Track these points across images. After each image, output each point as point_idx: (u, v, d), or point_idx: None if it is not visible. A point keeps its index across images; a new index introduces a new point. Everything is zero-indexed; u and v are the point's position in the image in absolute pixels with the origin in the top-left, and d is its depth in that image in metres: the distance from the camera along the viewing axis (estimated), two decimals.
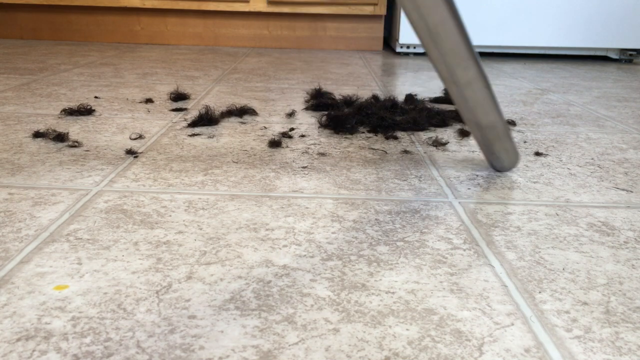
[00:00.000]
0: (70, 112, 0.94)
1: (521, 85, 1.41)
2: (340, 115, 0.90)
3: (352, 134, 0.88)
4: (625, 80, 1.55)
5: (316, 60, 1.76)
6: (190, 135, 0.84)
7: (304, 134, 0.87)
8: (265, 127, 0.90)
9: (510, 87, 1.37)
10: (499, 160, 0.69)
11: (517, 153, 0.69)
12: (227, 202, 0.60)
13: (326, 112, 0.96)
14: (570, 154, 0.81)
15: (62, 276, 0.44)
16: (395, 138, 0.86)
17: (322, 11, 2.00)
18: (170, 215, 0.56)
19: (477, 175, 0.71)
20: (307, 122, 0.95)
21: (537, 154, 0.81)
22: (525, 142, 0.87)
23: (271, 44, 2.08)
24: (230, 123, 0.92)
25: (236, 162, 0.73)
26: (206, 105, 0.97)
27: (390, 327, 0.39)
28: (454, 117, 0.97)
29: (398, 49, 1.97)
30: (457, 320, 0.40)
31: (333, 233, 0.53)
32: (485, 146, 0.67)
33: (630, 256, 0.50)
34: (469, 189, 0.66)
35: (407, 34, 1.90)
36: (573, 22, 1.87)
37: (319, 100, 1.06)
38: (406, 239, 0.52)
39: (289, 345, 0.36)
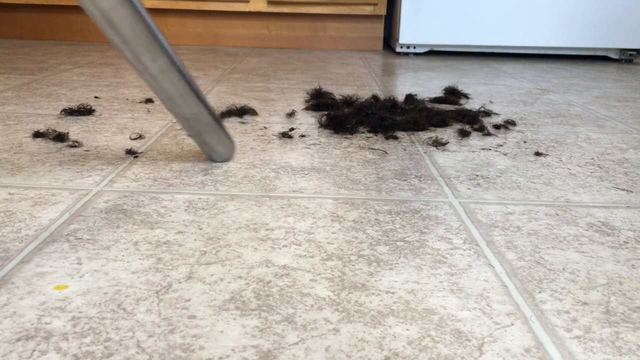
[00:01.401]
0: (70, 112, 0.94)
1: (521, 85, 1.41)
2: (340, 115, 0.90)
3: (352, 134, 0.88)
4: (625, 80, 1.55)
5: (316, 60, 1.77)
6: (190, 135, 0.84)
7: (304, 134, 0.87)
8: (265, 127, 0.90)
9: (510, 87, 1.37)
10: (214, 151, 0.70)
11: (231, 143, 0.70)
12: (227, 202, 0.60)
13: (326, 112, 0.96)
14: (570, 154, 0.81)
15: (62, 276, 0.44)
16: (395, 138, 0.86)
17: (322, 11, 2.00)
18: (170, 215, 0.56)
19: (477, 175, 0.71)
20: (307, 122, 0.95)
21: (537, 154, 0.81)
22: (525, 142, 0.87)
23: (271, 44, 2.08)
24: (230, 123, 0.92)
25: (236, 162, 0.73)
26: None
27: (390, 327, 0.39)
28: (454, 117, 0.97)
29: (398, 49, 1.97)
30: (457, 320, 0.40)
31: (333, 233, 0.53)
32: (196, 137, 0.67)
33: (630, 256, 0.50)
34: (469, 189, 0.66)
35: (407, 34, 1.91)
36: (573, 22, 1.87)
37: (319, 100, 1.06)
38: (406, 239, 0.52)
39: (289, 345, 0.36)
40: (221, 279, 0.44)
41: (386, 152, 0.79)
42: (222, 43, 2.08)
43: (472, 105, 1.13)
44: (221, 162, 0.71)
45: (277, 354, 0.36)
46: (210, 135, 0.67)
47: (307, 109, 1.05)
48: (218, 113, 0.95)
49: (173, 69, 0.59)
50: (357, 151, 0.79)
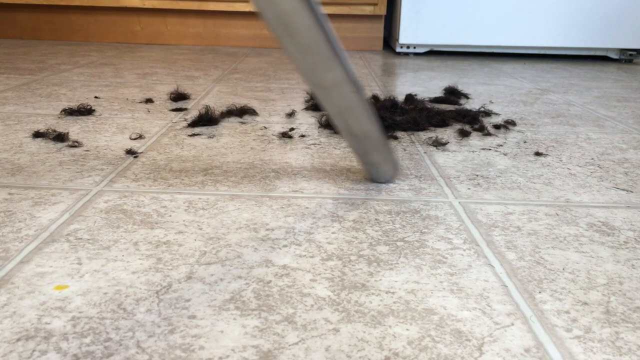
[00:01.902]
0: (70, 112, 0.94)
1: (521, 85, 1.41)
2: None
3: None
4: (625, 80, 1.55)
5: None
6: (190, 135, 0.84)
7: (304, 134, 0.87)
8: (265, 127, 0.90)
9: (510, 87, 1.37)
10: (377, 172, 0.64)
11: (396, 165, 0.65)
12: (227, 202, 0.60)
13: (326, 112, 0.96)
14: (570, 154, 0.81)
15: (62, 276, 0.44)
16: (395, 138, 0.86)
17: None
18: (170, 215, 0.56)
19: (477, 175, 0.71)
20: (307, 122, 0.95)
21: (537, 154, 0.81)
22: (525, 142, 0.87)
23: (271, 44, 2.08)
24: (230, 123, 0.92)
25: (236, 162, 0.73)
26: (206, 105, 0.97)
27: (390, 327, 0.39)
28: (454, 117, 0.97)
29: (398, 49, 1.97)
30: (457, 320, 0.40)
31: (333, 233, 0.53)
32: (362, 156, 0.62)
33: (630, 256, 0.50)
34: (469, 189, 0.66)
35: (407, 34, 1.90)
36: (573, 22, 1.87)
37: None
38: (406, 239, 0.52)
39: (289, 345, 0.36)
40: (221, 279, 0.44)
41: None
42: (222, 43, 2.08)
43: (472, 105, 1.13)
44: (384, 182, 0.65)
45: (277, 354, 0.36)
46: (378, 154, 0.61)
47: (307, 109, 1.05)
48: (219, 113, 0.95)
49: (347, 82, 0.53)
50: None
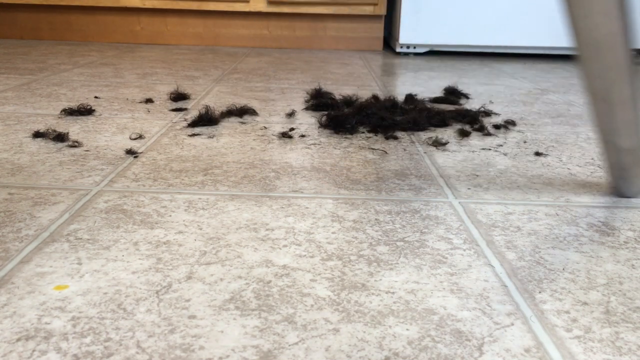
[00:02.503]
0: (70, 112, 0.94)
1: (521, 85, 1.41)
2: (340, 115, 0.90)
3: (352, 134, 0.88)
4: None
5: (316, 60, 1.77)
6: (190, 135, 0.84)
7: (304, 134, 0.87)
8: (265, 127, 0.90)
9: (510, 87, 1.37)
10: (630, 186, 0.64)
11: None
12: (227, 202, 0.60)
13: (326, 112, 0.96)
14: (570, 154, 0.81)
15: (62, 276, 0.44)
16: (395, 138, 0.86)
17: (322, 11, 2.00)
18: (170, 215, 0.56)
19: (477, 175, 0.71)
20: (307, 122, 0.95)
21: (537, 154, 0.81)
22: (525, 142, 0.87)
23: (271, 44, 2.08)
24: (230, 123, 0.92)
25: (236, 162, 0.73)
26: (206, 105, 0.97)
27: (390, 327, 0.39)
28: (454, 117, 0.97)
29: (398, 49, 1.97)
30: (457, 320, 0.40)
31: (333, 233, 0.53)
32: (619, 170, 0.62)
33: (630, 256, 0.50)
34: (469, 189, 0.66)
35: (407, 34, 1.91)
36: None
37: (319, 100, 1.06)
38: (406, 239, 0.52)
39: (289, 345, 0.36)
40: (221, 279, 0.44)
41: (386, 152, 0.79)
42: (222, 43, 2.08)
43: (472, 105, 1.13)
44: (630, 197, 0.65)
45: (277, 354, 0.36)
46: (634, 170, 0.61)
47: (307, 109, 1.05)
48: (219, 113, 0.95)
49: (634, 98, 0.54)
50: (357, 151, 0.79)
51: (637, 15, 1.85)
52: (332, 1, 1.98)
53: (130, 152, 0.74)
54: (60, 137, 0.79)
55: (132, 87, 1.21)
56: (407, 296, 0.43)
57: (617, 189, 0.65)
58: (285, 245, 0.50)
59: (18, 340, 0.36)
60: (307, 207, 0.59)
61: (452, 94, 1.19)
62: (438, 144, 0.83)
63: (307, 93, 1.14)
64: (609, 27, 0.49)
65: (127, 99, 1.09)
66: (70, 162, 0.71)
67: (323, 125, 0.91)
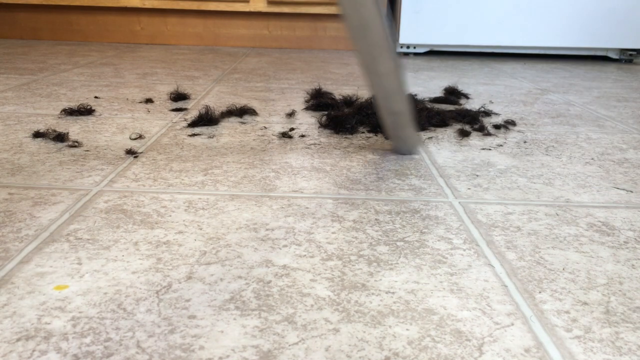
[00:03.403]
0: (70, 112, 0.94)
1: (521, 85, 1.41)
2: (340, 115, 0.90)
3: (352, 134, 0.88)
4: (625, 80, 1.55)
5: (316, 60, 1.77)
6: (190, 135, 0.84)
7: (304, 134, 0.87)
8: (265, 127, 0.90)
9: (510, 87, 1.37)
10: (404, 143, 0.78)
11: (418, 139, 0.80)
12: (227, 202, 0.60)
13: (326, 112, 0.96)
14: (570, 154, 0.81)
15: (62, 276, 0.44)
16: None
17: (322, 11, 2.00)
18: (170, 215, 0.56)
19: (477, 175, 0.71)
20: (307, 122, 0.95)
21: (537, 153, 0.81)
22: (525, 142, 0.87)
23: (271, 44, 2.08)
24: (230, 123, 0.92)
25: (236, 162, 0.73)
26: (206, 105, 0.97)
27: (390, 327, 0.39)
28: (454, 117, 0.97)
29: (398, 49, 1.96)
30: (457, 320, 0.40)
31: (333, 233, 0.53)
32: (394, 130, 0.76)
33: (630, 256, 0.50)
34: (469, 189, 0.66)
35: (407, 34, 1.90)
36: (573, 22, 1.87)
37: (319, 100, 1.06)
38: (406, 239, 0.52)
39: (289, 345, 0.36)
40: (221, 279, 0.44)
41: (386, 152, 0.79)
42: (222, 43, 2.08)
43: (472, 105, 1.13)
44: (406, 154, 0.79)
45: (277, 354, 0.36)
46: (406, 130, 0.75)
47: (307, 109, 1.05)
48: (219, 113, 0.95)
49: (396, 69, 0.67)
50: (357, 151, 0.79)
51: (637, 15, 1.85)
52: (332, 1, 1.98)
53: (130, 152, 0.74)
54: (60, 137, 0.79)
55: (132, 87, 1.22)
56: (407, 296, 0.43)
57: (396, 148, 0.79)
58: (285, 245, 0.50)
59: (18, 340, 0.36)
60: (307, 207, 0.59)
61: (452, 94, 1.19)
62: (438, 143, 0.83)
63: (307, 93, 1.14)
64: (369, 13, 0.61)
65: (127, 99, 1.09)
66: (70, 162, 0.71)
67: (323, 125, 0.91)
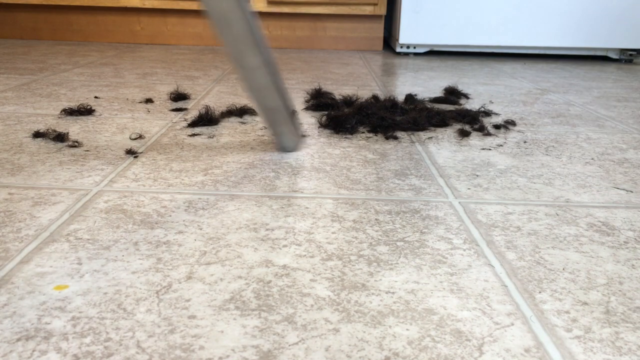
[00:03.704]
0: (70, 112, 0.94)
1: (521, 85, 1.41)
2: (340, 115, 0.90)
3: (352, 134, 0.88)
4: (625, 80, 1.55)
5: (316, 60, 1.77)
6: (190, 135, 0.84)
7: (304, 134, 0.87)
8: (265, 127, 0.90)
9: (510, 87, 1.37)
10: (283, 141, 0.77)
11: (299, 136, 0.78)
12: (227, 202, 0.60)
13: (326, 112, 0.96)
14: (570, 154, 0.81)
15: (62, 276, 0.44)
16: (395, 138, 0.86)
17: (322, 11, 2.00)
18: (170, 215, 0.56)
19: (477, 175, 0.71)
20: (307, 122, 0.95)
21: (537, 153, 0.81)
22: (525, 142, 0.87)
23: (271, 44, 2.08)
24: (230, 123, 0.92)
25: (236, 162, 0.73)
26: (206, 105, 0.97)
27: (390, 327, 0.39)
28: (454, 117, 0.97)
29: (398, 49, 1.97)
30: (457, 320, 0.40)
31: (333, 233, 0.53)
32: (272, 127, 0.75)
33: (630, 256, 0.50)
34: (469, 189, 0.66)
35: (407, 34, 1.90)
36: (573, 22, 1.87)
37: (319, 100, 1.06)
38: (406, 239, 0.52)
39: (289, 345, 0.36)
40: (221, 279, 0.44)
41: (386, 152, 0.79)
42: (222, 43, 2.08)
43: (472, 105, 1.13)
44: (289, 151, 0.78)
45: (277, 354, 0.36)
46: (285, 126, 0.75)
47: (307, 109, 1.05)
48: (219, 113, 0.95)
49: (265, 65, 0.66)
50: (357, 151, 0.79)
51: (637, 14, 1.85)
52: (332, 1, 1.98)
53: (130, 152, 0.74)
54: (60, 137, 0.79)
55: (132, 87, 1.21)
56: (407, 296, 0.43)
57: (278, 145, 0.79)
58: (285, 245, 0.50)
59: (18, 340, 0.36)
60: (307, 207, 0.59)
61: (452, 94, 1.19)
62: (438, 143, 0.83)
63: (307, 93, 1.14)
64: (228, 5, 0.61)
65: (127, 99, 1.09)
66: (70, 162, 0.71)
67: (323, 125, 0.91)
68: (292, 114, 0.74)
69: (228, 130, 0.88)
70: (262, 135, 0.86)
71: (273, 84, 0.68)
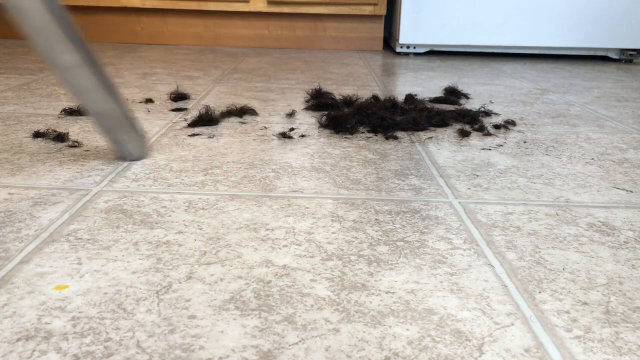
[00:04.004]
0: (70, 112, 0.94)
1: (521, 85, 1.41)
2: (340, 115, 0.90)
3: (352, 134, 0.88)
4: (625, 80, 1.55)
5: (316, 60, 1.76)
6: (190, 135, 0.84)
7: (304, 134, 0.87)
8: (265, 127, 0.90)
9: (510, 87, 1.37)
10: (125, 149, 0.70)
11: (142, 142, 0.71)
12: (227, 202, 0.60)
13: (326, 112, 0.96)
14: (570, 154, 0.81)
15: (62, 276, 0.44)
16: (395, 138, 0.86)
17: (322, 11, 2.00)
18: (170, 215, 0.56)
19: (477, 175, 0.71)
20: (307, 122, 0.95)
21: (537, 153, 0.81)
22: (525, 142, 0.87)
23: (271, 44, 2.08)
24: (230, 123, 0.92)
25: (236, 162, 0.73)
26: (206, 105, 0.97)
27: (390, 327, 0.39)
28: (454, 117, 0.97)
29: (398, 49, 1.97)
30: (457, 320, 0.40)
31: (333, 233, 0.53)
32: (107, 134, 0.68)
33: (630, 256, 0.50)
34: (469, 189, 0.66)
35: (407, 34, 1.90)
36: (573, 22, 1.87)
37: (319, 100, 1.06)
38: (406, 239, 0.52)
39: (289, 345, 0.36)
40: (221, 279, 0.44)
41: (386, 152, 0.79)
42: (222, 43, 2.08)
43: (472, 105, 1.13)
44: (132, 160, 0.70)
45: (277, 354, 0.36)
46: (123, 133, 0.68)
47: (307, 109, 1.05)
48: (219, 113, 0.95)
49: (85, 65, 0.60)
50: (357, 151, 0.79)
51: (636, 14, 1.85)
52: (332, 1, 1.98)
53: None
54: (60, 137, 0.79)
55: (132, 87, 1.21)
56: (407, 296, 0.43)
57: (119, 154, 0.71)
58: (285, 245, 0.50)
59: (18, 340, 0.36)
60: (307, 207, 0.59)
61: (452, 94, 1.19)
62: (438, 143, 0.83)
63: (307, 93, 1.14)
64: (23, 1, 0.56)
65: (127, 99, 1.09)
66: (70, 162, 0.71)
67: (323, 125, 0.91)
68: (130, 117, 0.68)
69: (228, 130, 0.88)
70: (263, 135, 0.86)
71: (100, 85, 0.62)
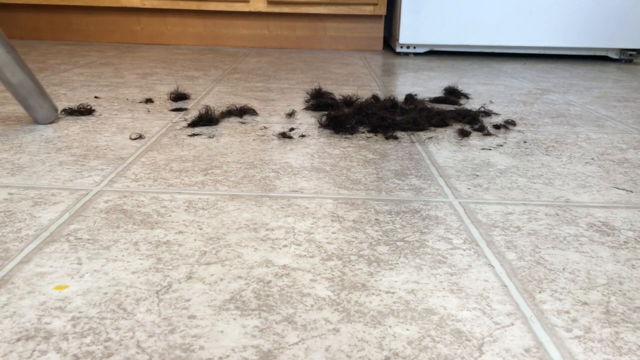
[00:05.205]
0: (70, 112, 0.94)
1: (521, 85, 1.41)
2: (340, 115, 0.90)
3: (352, 134, 0.88)
4: (625, 80, 1.55)
5: (316, 60, 1.76)
6: (190, 135, 0.84)
7: (304, 134, 0.87)
8: (265, 127, 0.90)
9: (510, 87, 1.37)
10: (38, 112, 0.84)
11: (53, 106, 0.86)
12: (227, 202, 0.60)
13: (326, 112, 0.96)
14: (570, 154, 0.81)
15: (62, 276, 0.44)
16: (395, 138, 0.86)
17: (322, 11, 2.00)
18: (170, 215, 0.56)
19: (477, 175, 0.71)
20: (307, 122, 0.95)
21: (537, 153, 0.81)
22: (525, 142, 0.87)
23: (271, 44, 2.08)
24: (230, 123, 0.92)
25: (236, 162, 0.73)
26: (206, 105, 0.97)
27: (390, 327, 0.39)
28: (454, 117, 0.97)
29: (398, 49, 1.97)
30: (457, 320, 0.40)
31: (333, 233, 0.53)
32: (22, 102, 0.82)
33: (630, 256, 0.50)
34: (469, 189, 0.66)
35: (407, 34, 1.90)
36: (573, 22, 1.87)
37: (319, 100, 1.06)
38: (406, 239, 0.52)
39: (289, 345, 0.36)
40: (221, 279, 0.44)
41: (386, 152, 0.79)
42: (222, 43, 2.08)
43: (472, 105, 1.13)
44: (45, 123, 0.85)
45: (277, 354, 0.36)
46: (34, 99, 0.82)
47: (307, 109, 1.05)
48: (219, 113, 0.95)
49: (1, 45, 0.73)
50: (357, 151, 0.79)
51: (636, 14, 1.85)
52: (332, 1, 1.98)
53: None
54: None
55: (132, 87, 1.21)
56: (407, 296, 0.43)
57: (34, 118, 0.85)
58: (285, 245, 0.50)
59: (18, 340, 0.36)
60: (307, 207, 0.59)
61: (452, 94, 1.19)
62: (438, 143, 0.83)
63: (307, 93, 1.14)
64: None
65: (127, 99, 1.09)
66: (70, 162, 0.71)
67: (323, 125, 0.91)
68: (40, 87, 0.81)
69: (228, 130, 0.88)
70: (263, 135, 0.86)
71: (10, 59, 0.76)
